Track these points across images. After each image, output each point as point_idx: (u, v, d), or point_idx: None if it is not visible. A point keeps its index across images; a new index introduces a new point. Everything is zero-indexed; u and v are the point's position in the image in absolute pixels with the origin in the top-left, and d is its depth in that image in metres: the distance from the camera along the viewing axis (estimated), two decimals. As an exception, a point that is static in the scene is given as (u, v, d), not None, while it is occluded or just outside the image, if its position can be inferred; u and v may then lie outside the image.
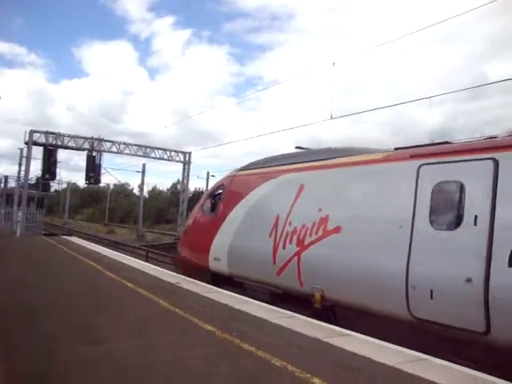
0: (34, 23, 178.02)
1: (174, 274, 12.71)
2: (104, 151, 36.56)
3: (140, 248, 29.16)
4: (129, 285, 10.24)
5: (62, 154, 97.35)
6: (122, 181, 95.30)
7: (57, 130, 34.46)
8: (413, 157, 7.98)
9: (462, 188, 6.91)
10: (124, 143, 37.70)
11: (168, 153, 39.41)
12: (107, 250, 19.84)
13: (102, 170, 37.91)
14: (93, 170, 35.89)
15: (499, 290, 6.03)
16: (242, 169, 13.14)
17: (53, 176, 35.63)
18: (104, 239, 35.45)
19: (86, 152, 35.96)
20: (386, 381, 4.87)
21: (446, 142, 8.41)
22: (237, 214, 11.79)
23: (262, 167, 12.23)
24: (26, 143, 32.81)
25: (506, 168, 6.43)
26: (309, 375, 4.75)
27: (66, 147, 35.12)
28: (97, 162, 36.20)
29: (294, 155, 11.94)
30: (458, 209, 6.93)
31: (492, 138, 7.72)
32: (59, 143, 34.06)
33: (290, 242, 9.64)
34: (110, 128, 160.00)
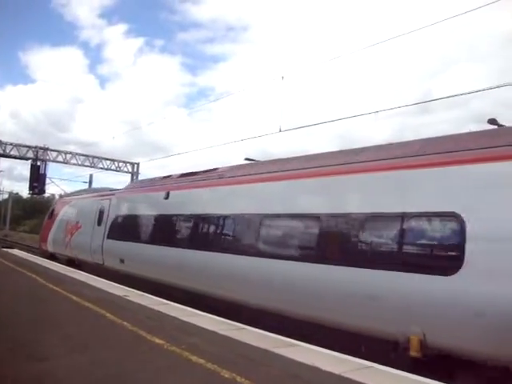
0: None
1: (122, 286, 12.44)
2: (49, 160, 35.54)
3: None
4: (74, 298, 9.94)
5: (4, 163, 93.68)
6: (69, 191, 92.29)
7: (-1, 138, 33.21)
8: (99, 196, 18.83)
9: (103, 208, 17.34)
10: (70, 153, 36.81)
11: (116, 163, 38.75)
12: (51, 262, 19.14)
13: (47, 180, 36.79)
14: (37, 179, 34.75)
15: (105, 247, 16.13)
16: (64, 196, 28.09)
17: (-7, 186, 34.19)
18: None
19: (30, 161, 34.81)
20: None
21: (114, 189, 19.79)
22: (57, 220, 22.48)
23: (69, 196, 25.06)
24: (-36, 151, 31.41)
25: (114, 202, 16.89)
26: (258, 386, 4.77)
27: (8, 156, 33.90)
28: (41, 171, 35.09)
29: (83, 190, 24.98)
30: (102, 217, 17.20)
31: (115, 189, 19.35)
32: (1, 151, 32.82)
33: (69, 233, 20.08)
34: (57, 137, 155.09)
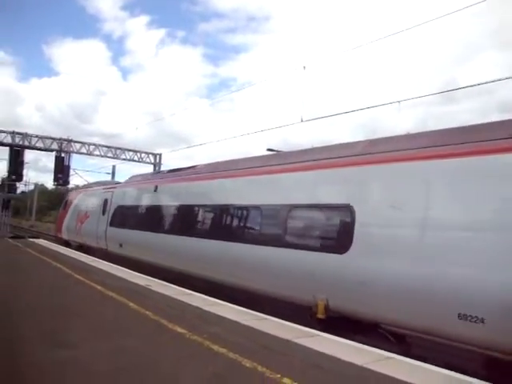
0: (2, 19, 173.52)
1: (144, 276, 12.59)
2: (73, 152, 35.89)
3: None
4: (98, 287, 10.12)
5: (29, 155, 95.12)
6: (92, 182, 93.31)
7: (25, 131, 33.70)
8: (104, 188, 21.11)
9: (106, 199, 19.50)
10: (94, 144, 37.11)
11: (138, 154, 38.95)
12: (75, 252, 19.50)
13: (71, 172, 37.22)
14: (61, 171, 35.15)
15: (108, 233, 18.43)
16: (76, 188, 31.09)
17: (20, 177, 34.79)
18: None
19: (54, 153, 35.30)
20: (355, 380, 4.96)
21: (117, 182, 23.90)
22: (70, 210, 24.84)
23: (81, 188, 27.41)
24: (-9, 144, 31.94)
25: (115, 194, 19.14)
26: (279, 375, 4.79)
27: (34, 148, 34.37)
28: (66, 163, 35.45)
29: (93, 183, 27.53)
30: (105, 207, 19.28)
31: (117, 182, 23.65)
32: (26, 143, 33.30)
33: (80, 222, 22.40)
34: (81, 129, 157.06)
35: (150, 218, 15.63)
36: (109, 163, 40.21)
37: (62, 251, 19.37)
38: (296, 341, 6.30)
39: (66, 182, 36.86)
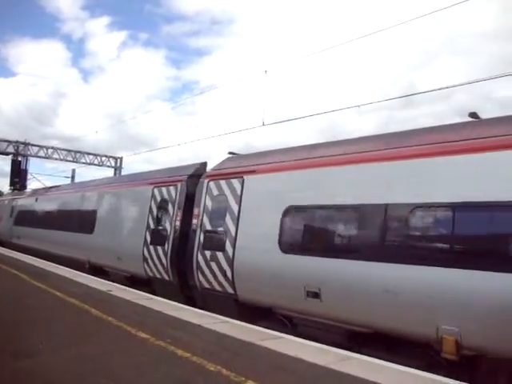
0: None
1: (105, 281, 12.41)
2: (30, 155, 35.08)
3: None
4: (58, 294, 9.90)
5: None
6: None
7: (-22, 133, 32.69)
8: (12, 198, 29.47)
9: (12, 206, 27.59)
10: (52, 147, 36.33)
11: (99, 158, 38.34)
12: (33, 258, 18.95)
13: (29, 176, 36.34)
14: (18, 175, 34.29)
15: (12, 230, 26.08)
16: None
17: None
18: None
19: (10, 156, 34.32)
20: (318, 380, 5.05)
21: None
22: None
23: (2, 197, 35.01)
24: None
25: (18, 202, 27.64)
26: (243, 378, 4.84)
27: (-12, 151, 33.35)
28: (22, 166, 34.63)
29: (10, 194, 33.92)
30: (12, 211, 27.16)
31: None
32: (-20, 146, 32.28)
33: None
34: (40, 131, 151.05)
35: (29, 218, 23.72)
36: (69, 167, 39.31)
37: (17, 257, 18.79)
38: (260, 343, 6.36)
39: (23, 187, 35.88)
